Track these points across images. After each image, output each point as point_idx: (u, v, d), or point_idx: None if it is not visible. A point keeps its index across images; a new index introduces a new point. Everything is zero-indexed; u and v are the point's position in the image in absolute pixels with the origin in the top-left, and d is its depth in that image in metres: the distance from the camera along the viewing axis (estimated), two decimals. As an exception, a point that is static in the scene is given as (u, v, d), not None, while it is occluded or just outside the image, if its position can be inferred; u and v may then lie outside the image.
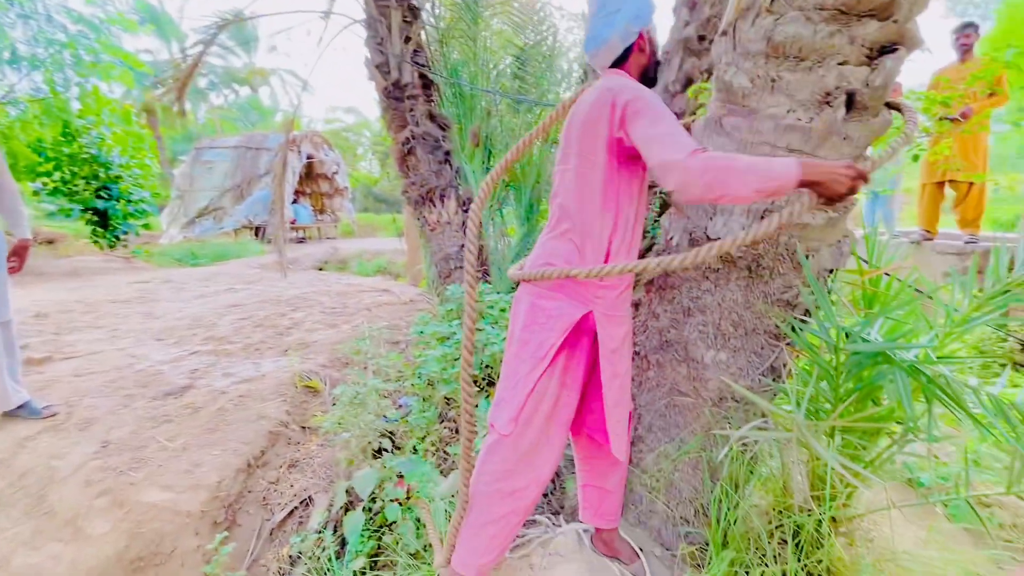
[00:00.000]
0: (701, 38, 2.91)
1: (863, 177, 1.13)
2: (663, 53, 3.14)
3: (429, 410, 2.71)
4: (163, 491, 2.20)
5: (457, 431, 2.81)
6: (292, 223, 12.84)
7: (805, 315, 1.53)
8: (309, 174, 14.76)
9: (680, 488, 1.74)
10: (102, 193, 8.83)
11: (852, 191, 1.13)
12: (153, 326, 4.65)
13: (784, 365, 1.62)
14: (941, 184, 4.74)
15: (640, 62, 1.48)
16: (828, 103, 1.34)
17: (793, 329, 1.42)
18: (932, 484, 2.09)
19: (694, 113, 3.06)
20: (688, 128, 1.50)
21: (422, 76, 4.27)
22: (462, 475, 1.51)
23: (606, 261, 1.41)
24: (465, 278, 1.52)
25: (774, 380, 1.59)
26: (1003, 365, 3.70)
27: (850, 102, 1.34)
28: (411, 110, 4.20)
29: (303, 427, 2.98)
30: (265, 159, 12.11)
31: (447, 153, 4.32)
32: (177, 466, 2.33)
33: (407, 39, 4.18)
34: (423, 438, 2.58)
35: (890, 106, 1.43)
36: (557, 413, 1.46)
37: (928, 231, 4.89)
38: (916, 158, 1.90)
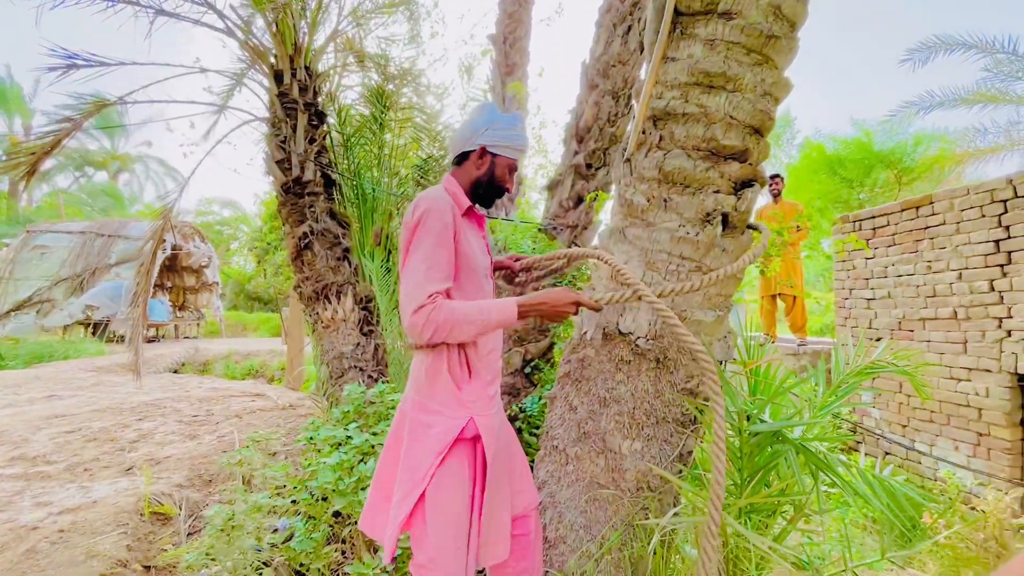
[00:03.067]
0: (588, 165, 3.39)
1: (579, 303, 1.41)
2: (557, 176, 3.58)
3: (317, 531, 2.36)
4: None
5: (345, 554, 2.49)
6: (143, 320, 11.25)
7: (705, 402, 1.69)
8: (172, 266, 13.36)
9: (604, 591, 1.68)
10: None
11: (572, 312, 1.41)
12: (-70, 446, 3.58)
13: (690, 452, 1.73)
14: (774, 297, 5.75)
15: (473, 173, 1.52)
16: (709, 221, 1.62)
17: (701, 412, 1.56)
18: (813, 563, 2.27)
19: (586, 227, 3.45)
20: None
21: (324, 175, 4.30)
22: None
23: (469, 366, 1.45)
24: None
25: (684, 466, 1.68)
26: (843, 450, 4.31)
27: (725, 221, 1.64)
28: (311, 206, 4.15)
29: (147, 567, 2.39)
30: (120, 247, 10.78)
31: (346, 250, 4.27)
32: (-48, 638, 1.70)
33: (311, 140, 4.25)
34: (308, 566, 2.22)
35: (751, 227, 1.77)
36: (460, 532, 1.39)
37: (769, 335, 5.80)
38: (763, 272, 2.32)
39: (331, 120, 4.80)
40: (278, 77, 4.19)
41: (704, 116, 1.61)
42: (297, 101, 4.18)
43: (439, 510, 1.32)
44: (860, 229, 4.43)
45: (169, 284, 13.86)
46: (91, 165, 26.48)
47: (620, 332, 1.69)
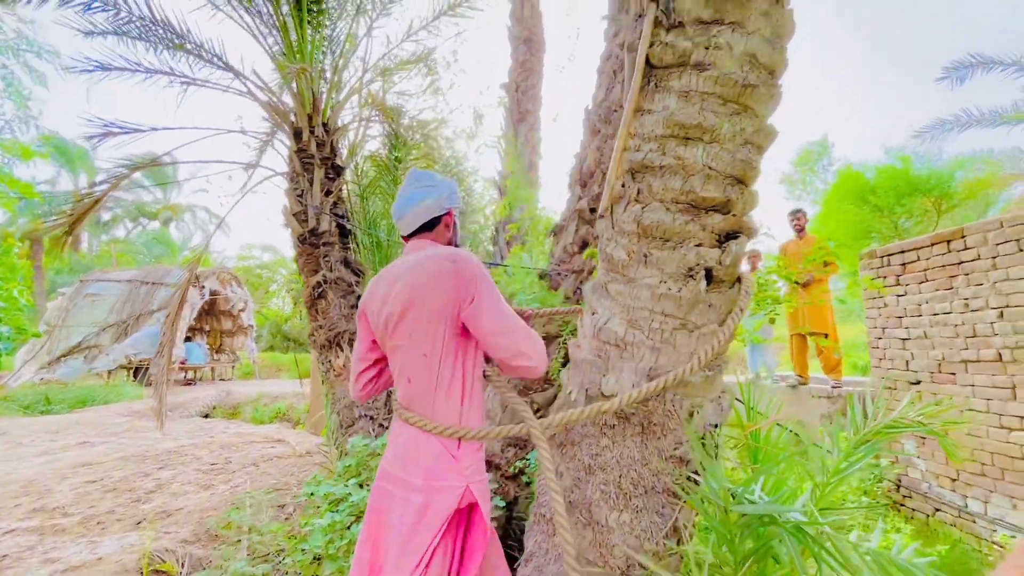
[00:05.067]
0: (592, 210, 3.35)
1: None
2: (561, 220, 3.56)
3: (310, 595, 2.28)
4: None
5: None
6: (181, 364, 11.66)
7: (697, 471, 1.56)
8: (210, 310, 13.92)
9: None
10: (-57, 327, 7.62)
11: None
12: (-38, 496, 3.72)
13: (685, 525, 1.59)
14: (804, 336, 5.45)
15: (445, 236, 1.61)
16: (691, 276, 1.54)
17: (685, 489, 1.43)
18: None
19: (591, 272, 3.39)
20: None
21: (339, 225, 4.42)
22: None
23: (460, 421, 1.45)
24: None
25: (678, 542, 1.54)
26: (885, 505, 3.94)
27: (709, 276, 1.55)
28: (325, 256, 4.26)
29: (141, 630, 2.36)
30: (163, 294, 11.34)
31: (359, 298, 4.32)
32: None
33: (327, 192, 4.40)
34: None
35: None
36: None
37: (801, 376, 5.47)
38: (772, 320, 2.19)
39: (350, 169, 4.98)
40: (297, 134, 4.39)
41: (682, 168, 1.56)
42: (314, 156, 4.36)
43: None
44: (889, 264, 4.19)
45: (207, 328, 14.41)
46: (145, 216, 28.32)
47: (603, 394, 1.60)
